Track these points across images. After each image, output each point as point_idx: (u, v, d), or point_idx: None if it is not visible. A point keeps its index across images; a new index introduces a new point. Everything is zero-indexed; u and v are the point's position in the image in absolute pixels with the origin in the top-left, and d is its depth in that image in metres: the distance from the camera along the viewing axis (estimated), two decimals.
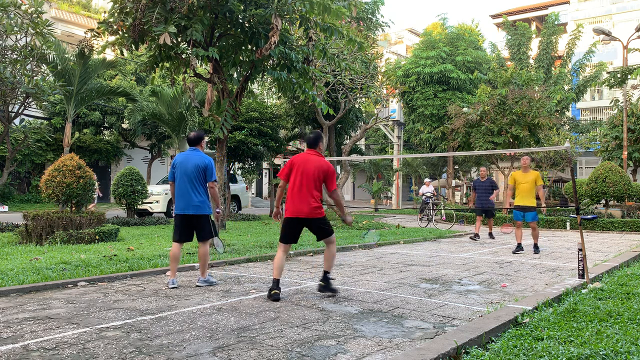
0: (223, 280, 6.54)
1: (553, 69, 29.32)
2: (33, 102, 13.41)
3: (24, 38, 12.08)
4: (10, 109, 13.34)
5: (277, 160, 24.90)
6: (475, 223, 13.20)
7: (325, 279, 5.67)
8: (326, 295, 5.65)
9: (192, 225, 6.10)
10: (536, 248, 9.97)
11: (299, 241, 10.59)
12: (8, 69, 11.46)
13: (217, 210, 6.38)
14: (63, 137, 15.04)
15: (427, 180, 19.28)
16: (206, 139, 6.34)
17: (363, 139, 35.59)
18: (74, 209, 10.64)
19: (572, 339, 3.78)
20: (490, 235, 13.08)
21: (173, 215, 5.89)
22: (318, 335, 4.08)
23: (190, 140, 6.28)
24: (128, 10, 8.52)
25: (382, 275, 7.14)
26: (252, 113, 18.36)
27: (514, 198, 10.09)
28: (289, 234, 5.65)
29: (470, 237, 12.76)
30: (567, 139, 24.13)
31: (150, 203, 17.75)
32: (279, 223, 10.82)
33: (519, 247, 10.02)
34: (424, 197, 18.33)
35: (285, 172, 5.63)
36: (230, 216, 17.19)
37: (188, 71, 9.38)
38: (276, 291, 5.39)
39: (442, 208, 19.78)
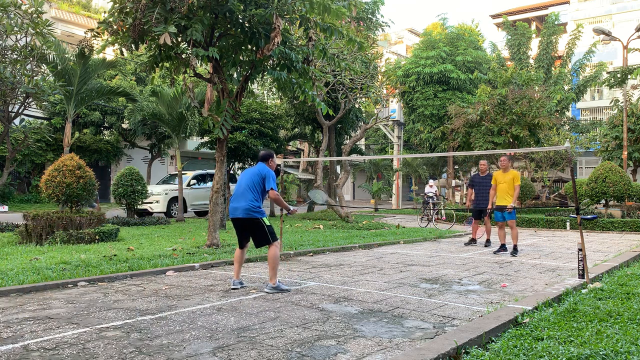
0: (223, 280, 6.54)
1: (553, 69, 29.30)
2: (33, 102, 13.38)
3: (24, 38, 12.07)
4: (10, 109, 13.32)
5: (277, 161, 24.88)
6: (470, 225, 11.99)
7: None
8: (326, 295, 5.53)
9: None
10: (515, 250, 9.58)
11: (299, 241, 10.65)
12: (8, 69, 11.45)
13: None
14: (63, 137, 15.02)
15: (430, 181, 19.33)
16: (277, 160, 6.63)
17: (363, 139, 35.58)
18: (73, 209, 10.64)
19: (572, 339, 3.78)
20: (488, 241, 11.31)
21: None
22: (318, 335, 4.08)
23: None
24: (128, 10, 8.51)
25: (382, 275, 7.14)
26: (253, 114, 18.34)
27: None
28: None
29: (465, 244, 11.48)
30: (567, 139, 24.14)
31: (150, 203, 17.78)
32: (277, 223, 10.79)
33: (502, 247, 9.95)
34: (425, 196, 18.35)
35: None
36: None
37: (188, 71, 9.37)
38: None
39: (442, 208, 19.78)
